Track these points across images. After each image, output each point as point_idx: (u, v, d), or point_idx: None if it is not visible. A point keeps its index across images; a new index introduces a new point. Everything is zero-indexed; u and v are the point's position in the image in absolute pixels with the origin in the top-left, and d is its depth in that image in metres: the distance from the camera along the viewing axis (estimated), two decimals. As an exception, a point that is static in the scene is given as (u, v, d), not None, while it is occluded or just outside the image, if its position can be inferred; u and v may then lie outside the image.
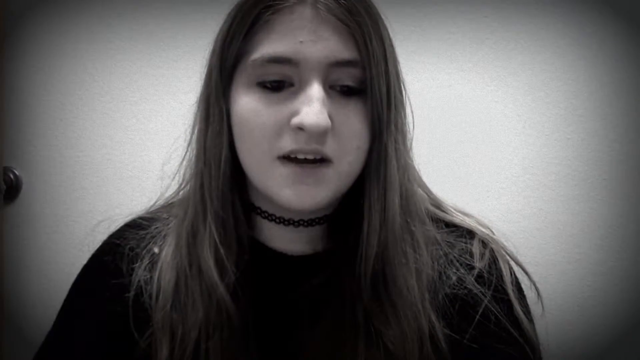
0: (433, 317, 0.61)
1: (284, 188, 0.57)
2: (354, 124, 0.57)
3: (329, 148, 0.56)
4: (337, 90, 0.58)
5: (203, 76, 0.63)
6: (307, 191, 0.57)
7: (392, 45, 0.61)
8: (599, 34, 1.09)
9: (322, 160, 0.57)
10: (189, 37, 1.25)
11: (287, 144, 0.56)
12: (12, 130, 1.36)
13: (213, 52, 0.61)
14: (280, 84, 0.57)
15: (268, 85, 0.57)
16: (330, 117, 0.55)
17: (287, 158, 0.57)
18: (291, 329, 0.63)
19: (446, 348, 0.61)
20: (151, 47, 1.28)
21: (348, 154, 0.58)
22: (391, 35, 0.61)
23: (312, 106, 0.54)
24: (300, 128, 0.55)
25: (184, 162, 0.67)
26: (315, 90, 0.55)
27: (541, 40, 1.11)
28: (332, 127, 0.56)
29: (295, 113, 0.56)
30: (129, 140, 1.30)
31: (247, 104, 0.58)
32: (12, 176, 1.35)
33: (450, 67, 1.14)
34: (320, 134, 0.55)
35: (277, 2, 0.56)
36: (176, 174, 0.69)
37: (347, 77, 0.57)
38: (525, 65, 1.12)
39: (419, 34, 1.15)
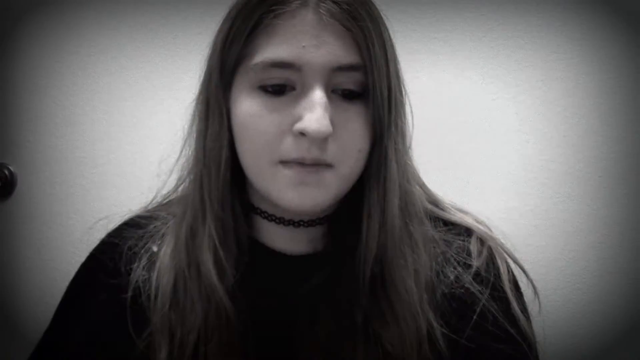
0: (431, 317, 0.61)
1: (285, 189, 0.57)
2: (355, 128, 0.57)
3: (330, 153, 0.56)
4: (338, 94, 0.57)
5: (202, 76, 0.62)
6: (308, 192, 0.57)
7: (393, 47, 0.61)
8: (596, 32, 1.08)
9: (323, 164, 0.57)
10: (189, 37, 1.24)
11: (289, 149, 0.56)
12: (7, 126, 1.34)
13: (213, 53, 0.61)
14: (281, 88, 0.56)
15: (269, 89, 0.56)
16: (331, 121, 0.55)
17: (289, 161, 0.57)
18: (290, 329, 0.62)
19: (444, 347, 0.61)
20: (151, 47, 1.27)
21: (349, 158, 0.58)
22: (391, 35, 0.61)
23: (315, 112, 0.54)
24: (302, 133, 0.55)
25: (182, 159, 0.67)
26: (318, 95, 0.55)
27: (539, 39, 1.10)
28: (333, 132, 0.55)
29: (297, 118, 0.55)
30: (127, 138, 1.29)
31: (248, 107, 0.57)
32: (6, 172, 1.34)
33: (448, 66, 1.14)
34: (322, 140, 0.55)
35: (278, 6, 0.56)
36: (173, 171, 0.69)
37: (349, 82, 0.57)
38: (523, 63, 1.11)
39: (417, 32, 1.14)
